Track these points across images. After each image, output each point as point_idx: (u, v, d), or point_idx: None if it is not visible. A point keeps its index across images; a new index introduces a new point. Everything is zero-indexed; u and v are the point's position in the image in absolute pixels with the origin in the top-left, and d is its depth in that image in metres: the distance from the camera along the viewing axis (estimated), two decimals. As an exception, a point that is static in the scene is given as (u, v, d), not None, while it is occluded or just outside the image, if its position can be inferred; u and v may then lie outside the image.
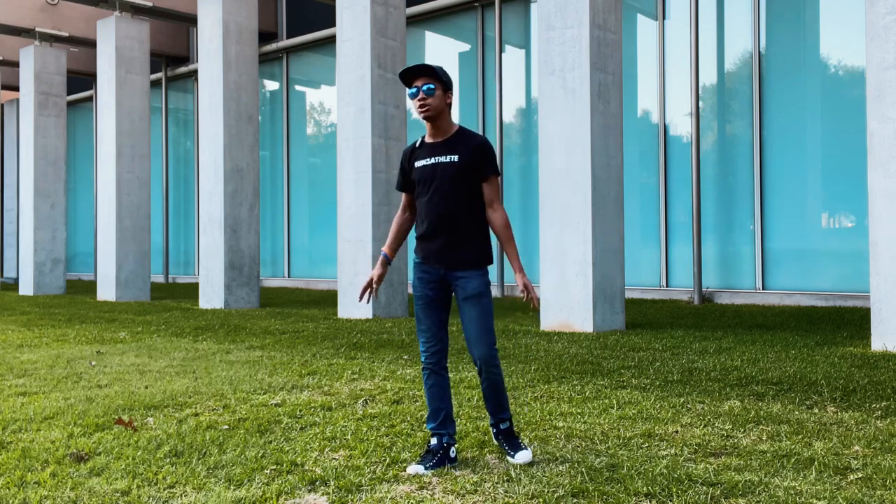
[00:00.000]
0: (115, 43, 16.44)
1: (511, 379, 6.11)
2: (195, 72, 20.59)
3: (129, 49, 16.64)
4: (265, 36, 18.98)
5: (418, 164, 3.99)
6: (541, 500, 3.40)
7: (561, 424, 4.70)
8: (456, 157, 3.91)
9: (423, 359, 4.01)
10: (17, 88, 22.63)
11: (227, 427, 4.77)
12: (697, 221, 12.84)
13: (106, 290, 16.44)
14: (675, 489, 3.48)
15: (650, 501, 3.38)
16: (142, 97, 16.80)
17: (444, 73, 3.96)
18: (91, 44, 19.26)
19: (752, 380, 6.02)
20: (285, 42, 18.99)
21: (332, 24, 16.43)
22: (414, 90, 3.91)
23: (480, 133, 10.91)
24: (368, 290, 4.11)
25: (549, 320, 9.49)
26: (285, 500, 3.49)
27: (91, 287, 20.72)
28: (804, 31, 12.44)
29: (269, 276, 19.76)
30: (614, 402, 5.30)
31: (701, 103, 13.20)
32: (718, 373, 6.34)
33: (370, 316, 11.34)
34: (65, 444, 4.40)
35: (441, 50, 16.75)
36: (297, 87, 19.46)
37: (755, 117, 12.70)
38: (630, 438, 4.38)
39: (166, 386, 6.15)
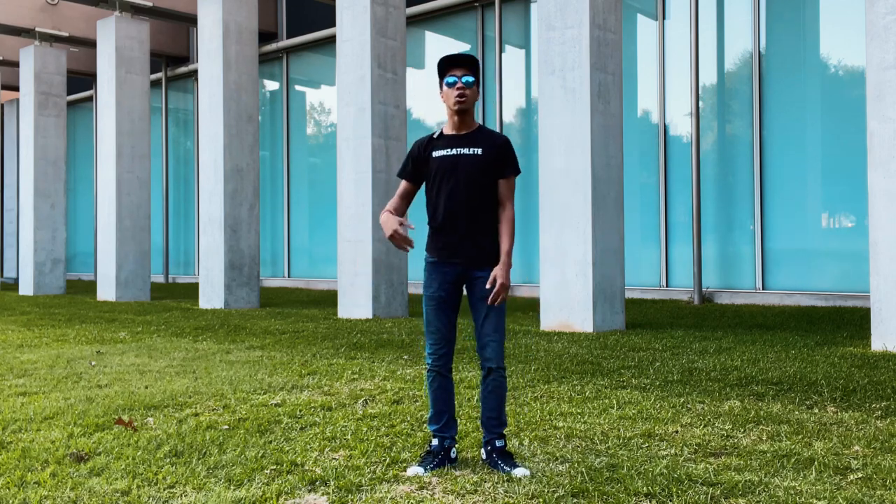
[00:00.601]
0: (115, 43, 16.44)
1: (511, 379, 6.11)
2: (195, 72, 20.59)
3: (129, 49, 16.63)
4: (265, 36, 18.97)
5: (437, 153, 3.89)
6: (541, 500, 3.40)
7: (561, 424, 4.70)
8: (480, 151, 3.85)
9: (429, 361, 3.92)
10: (17, 88, 22.62)
11: (227, 427, 4.77)
12: (697, 221, 12.84)
13: (106, 290, 16.43)
14: (675, 489, 3.48)
15: (650, 501, 3.38)
16: (142, 97, 16.80)
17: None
18: (91, 44, 19.26)
19: (752, 380, 6.02)
20: (285, 42, 18.99)
21: (332, 24, 16.42)
22: (453, 79, 3.82)
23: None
24: (402, 237, 3.80)
25: (549, 320, 9.49)
26: (285, 500, 3.49)
27: (91, 287, 20.72)
28: (804, 31, 12.44)
29: (269, 276, 19.76)
30: (614, 402, 5.30)
31: (701, 103, 13.20)
32: (718, 373, 6.34)
33: (370, 316, 11.34)
34: (65, 444, 4.40)
35: (441, 50, 16.74)
36: (297, 87, 19.46)
37: (755, 117, 12.69)
38: (630, 438, 4.38)
39: (166, 386, 6.14)
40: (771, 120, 12.63)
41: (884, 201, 7.57)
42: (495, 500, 3.43)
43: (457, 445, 4.06)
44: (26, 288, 19.05)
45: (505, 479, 3.68)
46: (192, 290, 17.78)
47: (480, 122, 15.55)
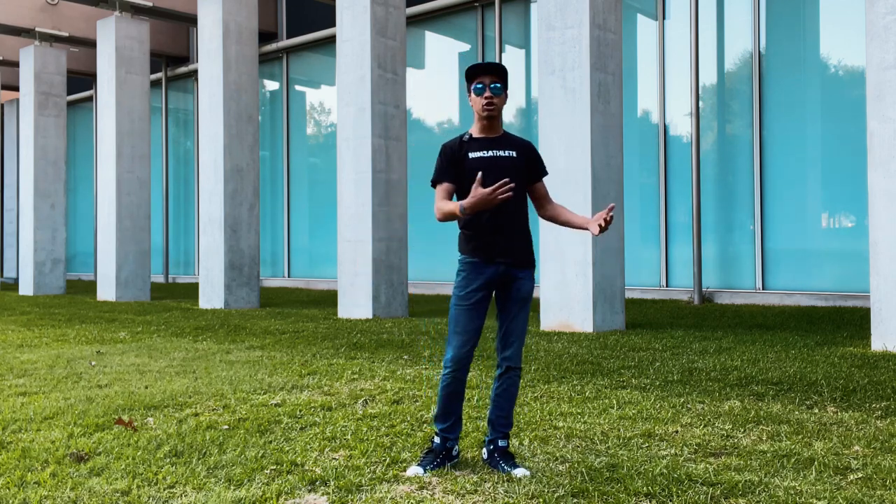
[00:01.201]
0: (115, 43, 16.44)
1: (511, 379, 6.10)
2: (195, 72, 20.59)
3: (129, 49, 16.64)
4: (265, 36, 18.98)
5: (473, 154, 3.92)
6: (541, 500, 3.40)
7: (561, 424, 4.70)
8: (514, 153, 3.95)
9: (448, 364, 3.85)
10: (17, 88, 22.63)
11: (227, 427, 4.77)
12: (697, 221, 12.84)
13: (106, 290, 16.43)
14: (675, 489, 3.48)
15: (650, 501, 3.38)
16: (142, 97, 16.80)
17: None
18: (91, 44, 19.26)
19: (752, 380, 6.02)
20: (285, 42, 18.99)
21: (332, 24, 16.43)
22: (481, 86, 3.90)
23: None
24: (496, 187, 3.67)
25: (549, 320, 9.49)
26: (285, 500, 3.49)
27: (91, 287, 20.72)
28: (804, 31, 12.44)
29: (269, 276, 19.76)
30: (614, 402, 5.30)
31: (701, 103, 13.20)
32: (718, 373, 6.34)
33: (370, 316, 11.34)
34: (65, 444, 4.40)
35: (441, 50, 16.75)
36: (297, 87, 19.47)
37: (755, 117, 12.69)
38: (630, 438, 4.38)
39: (166, 386, 6.14)
40: (771, 120, 12.63)
41: (884, 201, 7.57)
42: (495, 500, 3.43)
43: (458, 445, 4.06)
44: (26, 288, 19.05)
45: (505, 479, 3.68)
46: (192, 290, 17.78)
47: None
